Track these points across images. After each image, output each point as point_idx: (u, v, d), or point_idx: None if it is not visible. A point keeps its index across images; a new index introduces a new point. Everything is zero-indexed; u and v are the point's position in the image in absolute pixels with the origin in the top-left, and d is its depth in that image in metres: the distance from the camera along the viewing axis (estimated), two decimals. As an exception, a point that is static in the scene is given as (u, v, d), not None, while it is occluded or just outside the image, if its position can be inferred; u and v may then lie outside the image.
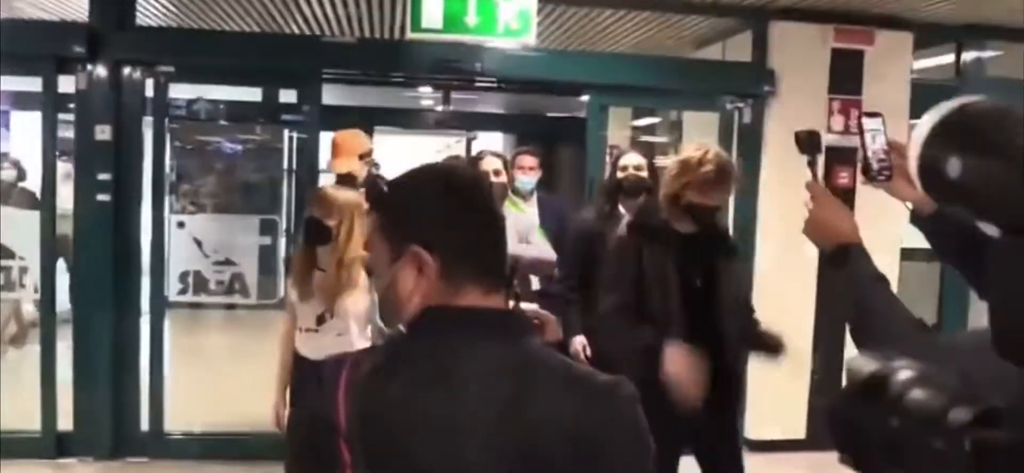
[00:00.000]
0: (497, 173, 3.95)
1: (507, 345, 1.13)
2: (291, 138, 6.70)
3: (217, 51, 4.87)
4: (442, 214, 1.18)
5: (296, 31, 5.79)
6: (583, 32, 5.90)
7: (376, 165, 8.27)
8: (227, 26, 5.79)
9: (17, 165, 6.56)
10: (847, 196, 5.24)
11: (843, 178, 5.27)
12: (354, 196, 3.22)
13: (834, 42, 5.19)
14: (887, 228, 5.25)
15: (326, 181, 4.99)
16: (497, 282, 1.20)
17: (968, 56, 5.68)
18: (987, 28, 5.54)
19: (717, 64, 5.56)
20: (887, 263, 4.91)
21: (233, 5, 5.31)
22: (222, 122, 5.97)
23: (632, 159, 4.04)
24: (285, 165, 8.45)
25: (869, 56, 5.28)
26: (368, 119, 8.41)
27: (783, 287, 5.06)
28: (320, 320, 3.21)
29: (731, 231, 4.51)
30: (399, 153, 13.53)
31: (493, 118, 10.21)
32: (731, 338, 3.04)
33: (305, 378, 3.21)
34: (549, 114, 9.48)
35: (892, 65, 5.32)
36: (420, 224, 1.18)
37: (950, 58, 5.78)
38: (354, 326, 3.21)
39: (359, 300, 3.19)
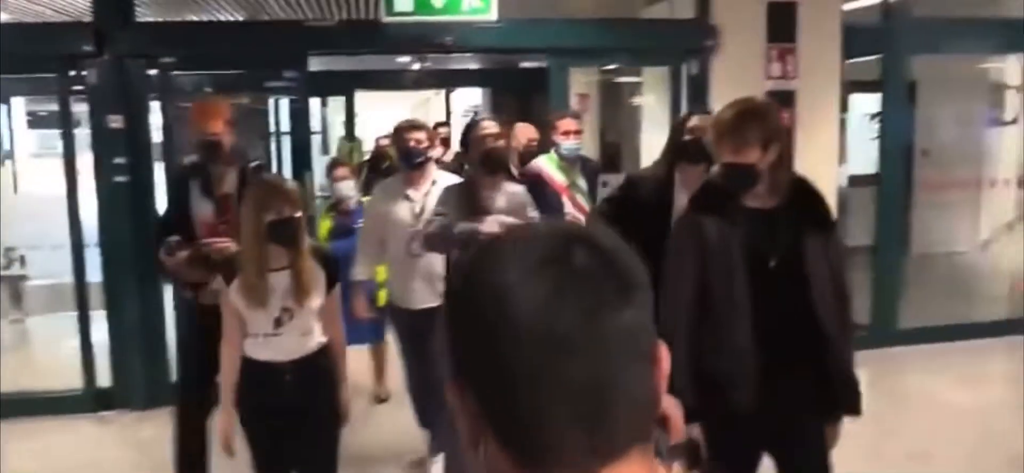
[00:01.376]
0: (496, 137, 3.73)
1: None
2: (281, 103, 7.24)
3: (210, 41, 5.39)
4: (479, 332, 0.72)
5: (281, 16, 6.30)
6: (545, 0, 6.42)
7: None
8: (220, 15, 6.31)
9: None
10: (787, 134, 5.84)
11: (784, 118, 5.85)
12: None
13: (769, -5, 5.74)
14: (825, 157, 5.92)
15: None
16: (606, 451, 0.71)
17: (894, -2, 6.22)
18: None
19: (665, 23, 6.10)
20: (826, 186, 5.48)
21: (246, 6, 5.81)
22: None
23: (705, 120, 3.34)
24: (273, 129, 9.03)
25: (802, 5, 5.81)
26: (351, 83, 8.99)
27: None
28: (278, 322, 3.00)
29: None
30: (380, 111, 14.10)
31: (468, 74, 10.74)
32: (824, 328, 2.57)
33: (260, 381, 3.04)
34: (522, 66, 9.98)
35: (824, 11, 5.87)
36: (456, 343, 0.76)
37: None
38: (315, 323, 3.07)
39: (318, 295, 3.05)
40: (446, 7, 4.90)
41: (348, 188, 5.22)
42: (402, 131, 4.10)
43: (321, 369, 3.09)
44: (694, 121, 3.47)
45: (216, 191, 3.70)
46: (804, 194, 2.65)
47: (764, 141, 2.49)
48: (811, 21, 5.82)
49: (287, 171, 8.15)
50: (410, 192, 4.01)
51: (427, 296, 3.97)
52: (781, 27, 5.79)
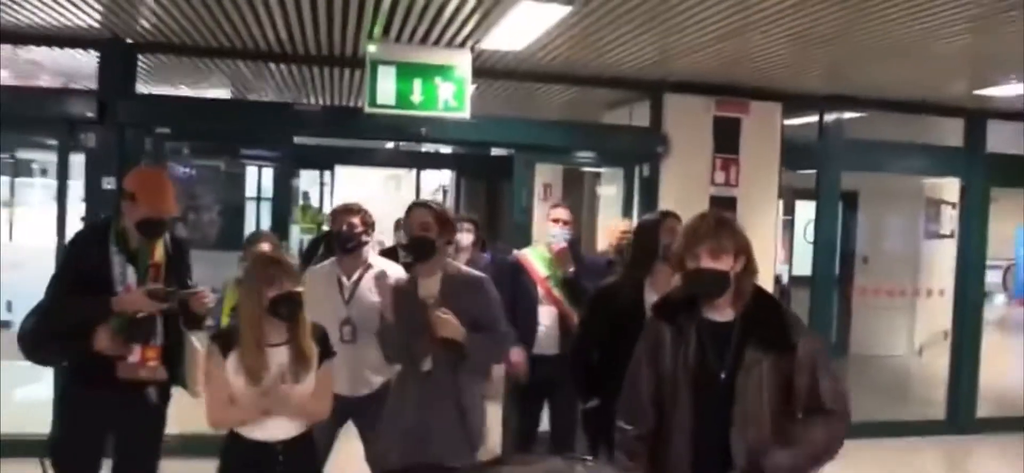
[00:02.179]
0: (424, 226, 3.50)
1: None
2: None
3: (207, 117, 5.84)
4: None
5: (268, 94, 6.81)
6: (518, 97, 6.99)
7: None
8: (214, 91, 6.79)
9: None
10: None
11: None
12: None
13: (716, 111, 6.36)
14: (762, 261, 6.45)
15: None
16: None
17: (830, 118, 6.87)
18: (845, 98, 6.73)
19: (622, 128, 6.69)
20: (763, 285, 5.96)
21: (218, 74, 6.31)
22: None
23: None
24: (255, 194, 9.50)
25: (746, 122, 6.44)
26: (332, 158, 9.51)
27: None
28: None
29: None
30: (354, 182, 14.61)
31: (440, 157, 11.29)
32: (738, 453, 2.54)
33: (251, 461, 3.00)
34: (492, 154, 10.52)
35: (765, 129, 6.49)
36: None
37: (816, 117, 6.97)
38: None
39: (313, 373, 3.03)
40: (423, 103, 5.41)
41: None
42: (338, 214, 4.09)
43: (311, 450, 3.10)
44: (672, 223, 3.53)
45: (148, 260, 3.47)
46: (762, 309, 2.65)
47: (736, 250, 2.59)
48: (754, 135, 6.44)
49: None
50: (342, 277, 3.97)
51: (357, 384, 3.88)
52: (726, 139, 6.39)
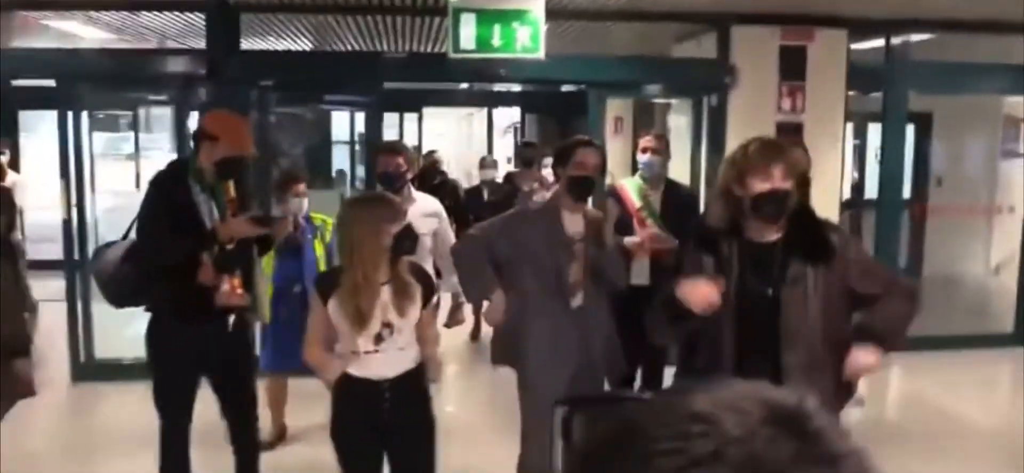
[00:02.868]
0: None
1: None
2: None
3: (305, 68, 6.39)
4: None
5: (358, 47, 7.33)
6: (588, 35, 7.32)
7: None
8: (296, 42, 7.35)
9: None
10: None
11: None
12: None
13: (782, 40, 6.56)
14: (829, 186, 6.69)
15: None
16: None
17: (896, 41, 6.99)
18: (911, 22, 6.84)
19: (690, 61, 6.95)
20: (830, 208, 6.12)
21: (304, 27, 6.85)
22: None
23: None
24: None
25: (811, 49, 6.63)
26: (417, 101, 10.13)
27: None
28: (379, 339, 3.00)
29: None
30: (431, 120, 15.16)
31: (513, 95, 11.71)
32: (790, 367, 2.56)
33: (358, 398, 3.06)
34: (563, 89, 10.85)
35: (831, 56, 6.68)
36: None
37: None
38: (412, 338, 3.09)
39: (416, 308, 3.07)
40: (502, 46, 5.81)
41: (304, 205, 4.85)
42: (382, 155, 4.30)
43: (419, 387, 3.15)
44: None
45: (225, 196, 3.59)
46: (804, 224, 2.70)
47: (794, 169, 2.66)
48: (820, 62, 6.63)
49: (357, 182, 9.20)
50: None
51: None
52: (792, 67, 6.60)
